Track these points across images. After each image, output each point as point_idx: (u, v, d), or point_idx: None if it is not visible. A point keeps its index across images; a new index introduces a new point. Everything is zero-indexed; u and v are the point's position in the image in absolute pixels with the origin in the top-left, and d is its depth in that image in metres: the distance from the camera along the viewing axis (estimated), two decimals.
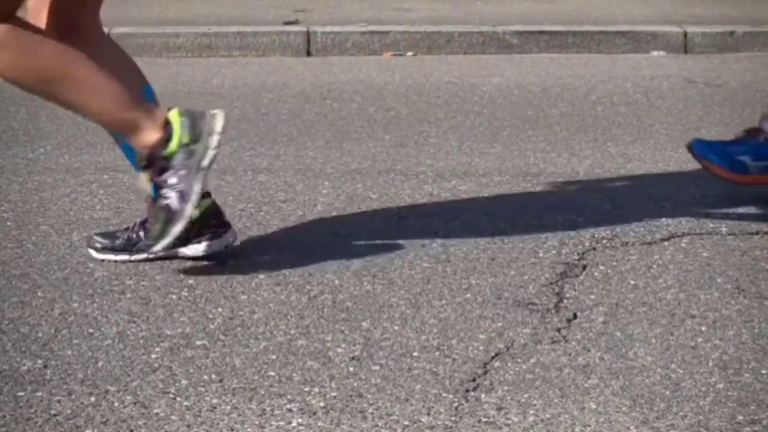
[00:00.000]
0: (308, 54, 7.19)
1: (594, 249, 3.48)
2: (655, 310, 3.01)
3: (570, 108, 5.54)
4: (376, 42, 7.28)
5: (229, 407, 2.48)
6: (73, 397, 2.52)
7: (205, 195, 3.28)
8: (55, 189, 4.10)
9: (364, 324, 2.92)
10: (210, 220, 3.33)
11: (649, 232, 3.63)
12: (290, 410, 2.47)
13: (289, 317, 2.96)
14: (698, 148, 3.92)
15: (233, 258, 3.38)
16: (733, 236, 3.60)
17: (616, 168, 4.41)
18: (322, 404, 2.49)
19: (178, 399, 2.51)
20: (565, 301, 3.07)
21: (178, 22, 7.51)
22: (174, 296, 3.10)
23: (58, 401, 2.50)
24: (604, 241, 3.54)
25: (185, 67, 6.72)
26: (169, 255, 3.32)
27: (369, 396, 2.53)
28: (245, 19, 7.64)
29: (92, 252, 3.36)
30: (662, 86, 6.12)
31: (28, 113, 5.31)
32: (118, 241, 3.35)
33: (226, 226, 3.38)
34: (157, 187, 3.21)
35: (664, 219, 3.75)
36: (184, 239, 3.26)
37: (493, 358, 2.72)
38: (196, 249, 3.33)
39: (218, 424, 2.41)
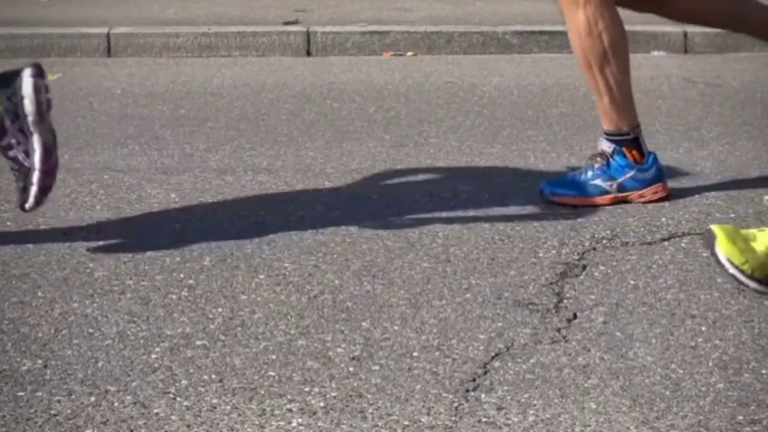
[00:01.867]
0: (308, 54, 7.19)
1: (594, 249, 3.48)
2: (655, 310, 3.01)
3: (570, 108, 5.54)
4: (376, 42, 7.28)
5: (229, 407, 2.48)
6: (73, 397, 2.52)
7: None
8: (55, 189, 4.09)
9: (364, 324, 2.92)
10: (7, 82, 3.36)
11: (649, 232, 3.63)
12: (290, 410, 2.47)
13: (289, 317, 2.96)
14: (547, 190, 3.93)
15: (233, 258, 3.39)
16: None
17: None
18: (322, 404, 2.49)
19: (178, 399, 2.51)
20: (565, 301, 3.07)
21: (178, 22, 7.51)
22: (174, 296, 3.10)
23: (58, 401, 2.50)
24: (604, 241, 3.54)
25: (185, 67, 6.72)
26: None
27: (369, 396, 2.53)
28: (245, 19, 7.64)
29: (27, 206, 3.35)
30: (662, 86, 6.11)
31: None
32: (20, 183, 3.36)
33: (18, 72, 3.38)
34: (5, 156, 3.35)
35: (664, 219, 3.76)
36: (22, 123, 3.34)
37: (493, 358, 2.72)
38: (29, 115, 3.34)
39: (218, 424, 2.41)
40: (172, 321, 2.94)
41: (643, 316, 2.97)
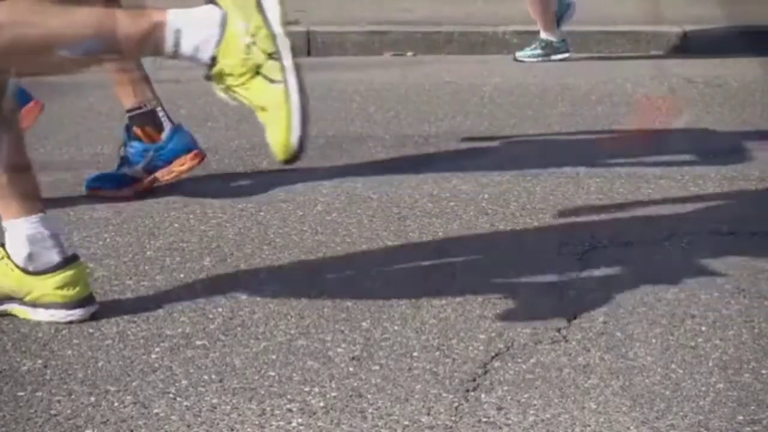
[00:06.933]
0: (308, 54, 7.19)
1: (594, 249, 3.48)
2: (655, 310, 3.01)
3: (570, 108, 5.54)
4: (376, 42, 7.29)
5: (229, 407, 2.48)
6: (73, 397, 2.52)
7: None
8: (55, 189, 4.10)
9: (364, 324, 2.92)
10: None
11: (649, 232, 3.63)
12: (290, 410, 2.47)
13: (289, 317, 2.96)
14: (88, 184, 4.03)
15: (233, 258, 3.38)
16: (733, 236, 3.60)
17: (616, 168, 4.41)
18: (322, 404, 2.49)
19: (178, 399, 2.51)
20: (565, 301, 3.07)
21: None
22: (174, 296, 3.10)
23: (58, 401, 2.50)
24: (604, 241, 3.54)
25: None
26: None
27: (369, 396, 2.53)
28: None
29: None
30: (662, 86, 6.12)
31: None
32: None
33: None
34: None
35: (664, 219, 3.75)
36: None
37: (493, 358, 2.72)
38: None
39: (218, 424, 2.41)
40: (172, 321, 2.94)
41: (643, 316, 2.97)
